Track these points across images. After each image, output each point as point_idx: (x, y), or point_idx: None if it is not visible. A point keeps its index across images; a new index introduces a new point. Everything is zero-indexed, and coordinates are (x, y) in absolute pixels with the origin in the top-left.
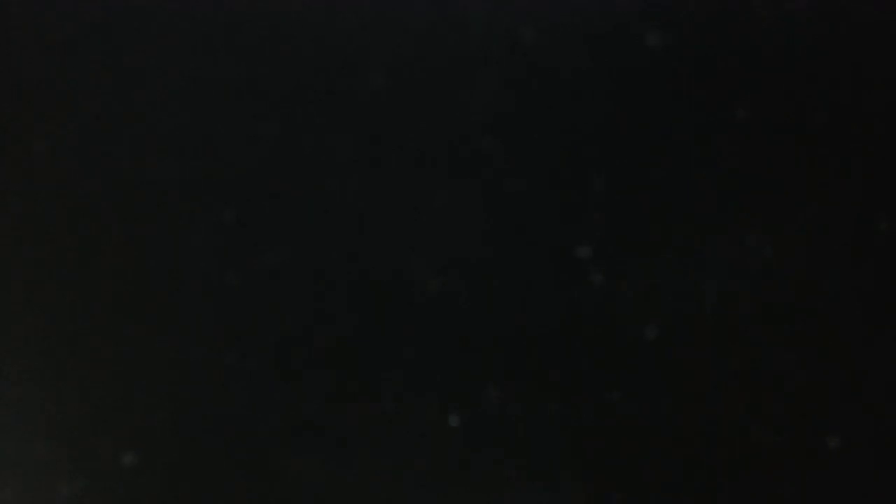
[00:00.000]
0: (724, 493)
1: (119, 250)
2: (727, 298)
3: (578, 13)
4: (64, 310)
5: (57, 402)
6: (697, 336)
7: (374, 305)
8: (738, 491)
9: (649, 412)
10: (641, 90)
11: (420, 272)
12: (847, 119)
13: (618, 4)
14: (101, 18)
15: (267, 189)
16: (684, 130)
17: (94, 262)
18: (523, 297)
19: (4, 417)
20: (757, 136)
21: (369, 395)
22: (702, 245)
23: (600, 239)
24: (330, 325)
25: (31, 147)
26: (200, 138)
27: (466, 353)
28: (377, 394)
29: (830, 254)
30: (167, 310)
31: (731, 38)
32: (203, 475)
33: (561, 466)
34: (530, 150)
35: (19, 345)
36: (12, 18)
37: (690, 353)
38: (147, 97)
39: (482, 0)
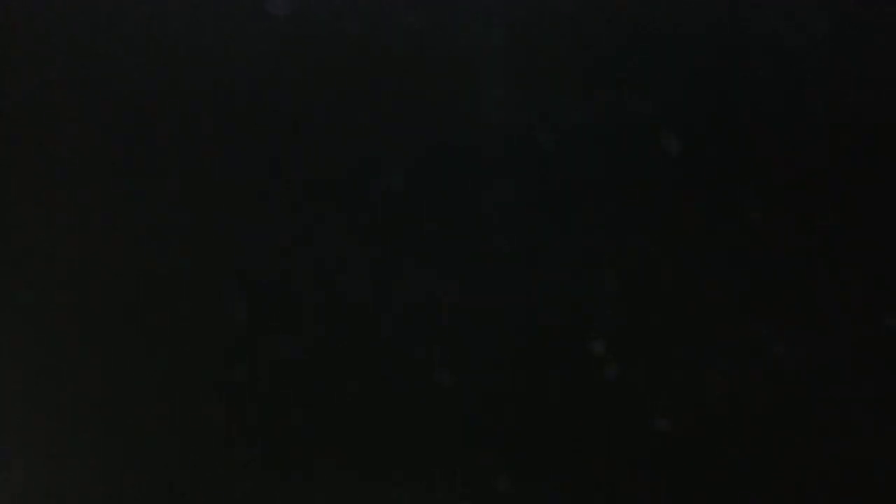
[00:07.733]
0: None
1: (119, 355)
2: (739, 392)
3: (594, 117)
4: (65, 404)
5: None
6: (710, 429)
7: (383, 396)
8: None
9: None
10: (655, 190)
11: (432, 364)
12: (856, 222)
13: (632, 108)
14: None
15: (277, 280)
16: (697, 228)
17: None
18: (536, 390)
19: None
20: (769, 235)
21: (379, 485)
22: (714, 339)
23: (614, 333)
24: (338, 415)
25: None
26: (213, 228)
27: (478, 444)
28: (387, 484)
29: (839, 347)
30: (172, 401)
31: (746, 139)
32: None
33: None
34: (546, 246)
35: (20, 437)
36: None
37: (703, 445)
38: (156, 182)
39: (499, 104)
